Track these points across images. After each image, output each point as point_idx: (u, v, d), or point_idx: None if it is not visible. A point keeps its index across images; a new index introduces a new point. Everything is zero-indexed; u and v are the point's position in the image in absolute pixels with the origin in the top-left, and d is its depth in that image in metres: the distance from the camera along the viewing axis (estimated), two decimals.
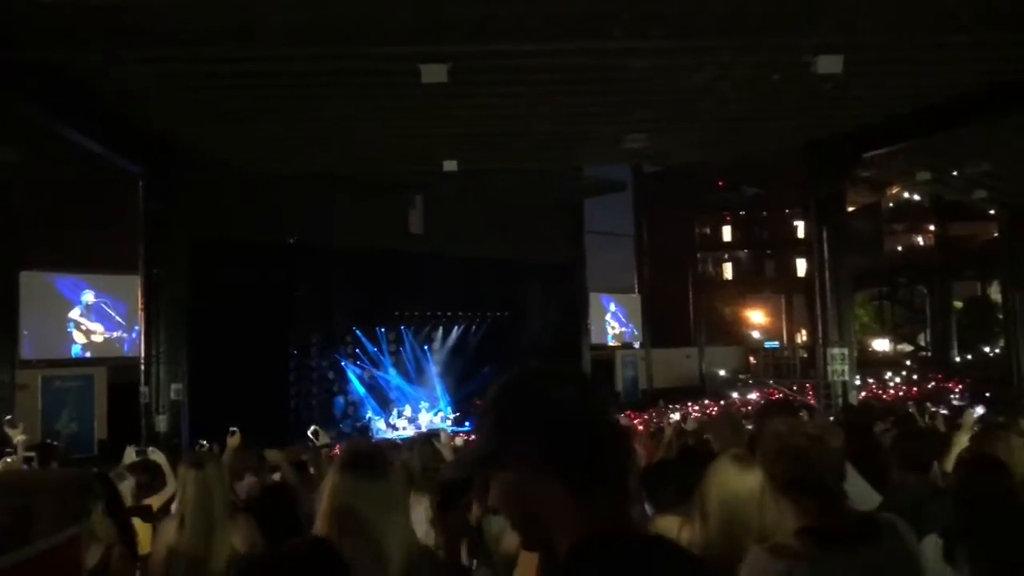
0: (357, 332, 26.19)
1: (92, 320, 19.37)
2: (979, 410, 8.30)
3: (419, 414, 26.77)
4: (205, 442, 9.10)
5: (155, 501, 4.88)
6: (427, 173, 19.81)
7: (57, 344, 18.85)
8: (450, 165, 16.21)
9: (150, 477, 5.33)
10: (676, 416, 8.27)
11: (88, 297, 19.33)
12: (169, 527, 3.49)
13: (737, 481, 2.84)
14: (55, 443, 5.55)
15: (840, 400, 16.42)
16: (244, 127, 14.61)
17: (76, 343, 19.20)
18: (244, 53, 11.01)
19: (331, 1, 9.83)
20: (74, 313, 19.14)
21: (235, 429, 6.86)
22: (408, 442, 4.00)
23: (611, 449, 1.33)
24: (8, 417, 6.98)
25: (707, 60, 11.95)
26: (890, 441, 4.35)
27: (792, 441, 2.22)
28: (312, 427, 4.83)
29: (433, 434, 4.04)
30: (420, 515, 3.97)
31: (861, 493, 3.72)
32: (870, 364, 33.00)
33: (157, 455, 5.55)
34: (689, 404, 27.36)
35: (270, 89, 12.60)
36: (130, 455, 6.08)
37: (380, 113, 13.84)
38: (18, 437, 6.16)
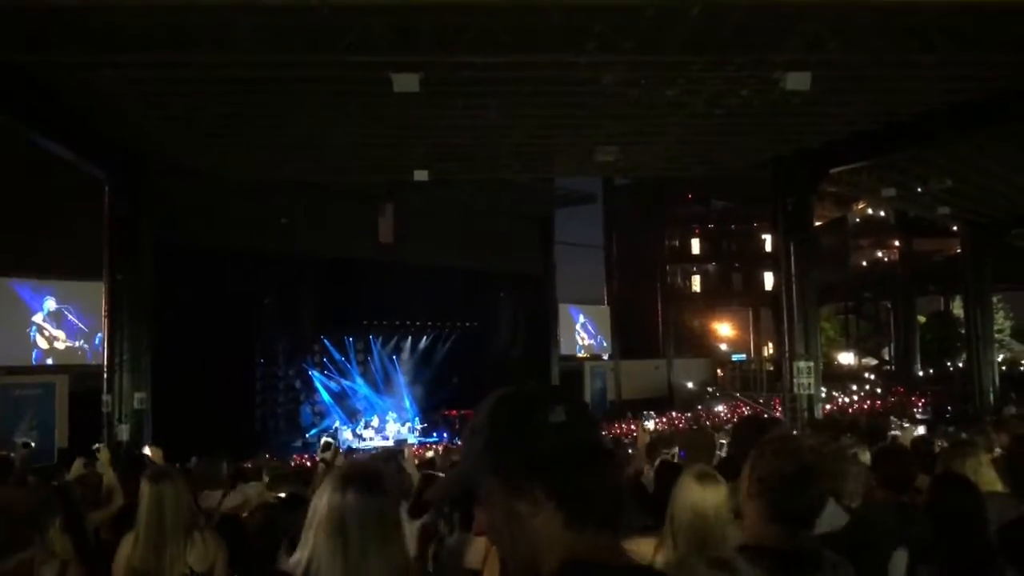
0: (325, 341, 26.03)
1: (54, 327, 19.07)
2: (920, 429, 8.36)
3: (386, 424, 26.60)
4: (147, 450, 8.91)
5: (99, 516, 4.75)
6: (398, 182, 19.73)
7: (18, 350, 18.53)
8: (421, 175, 16.14)
9: (94, 491, 5.18)
10: (650, 424, 8.26)
11: (50, 304, 19.02)
12: (127, 542, 3.43)
13: (702, 498, 2.84)
14: (11, 455, 5.40)
15: (806, 413, 16.53)
16: (212, 134, 14.47)
17: (39, 347, 18.88)
18: (214, 59, 10.89)
19: (302, 8, 9.77)
20: (37, 318, 18.83)
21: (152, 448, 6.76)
22: (372, 457, 3.95)
23: (602, 474, 1.32)
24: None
25: (677, 75, 12.05)
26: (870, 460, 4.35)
27: (788, 469, 2.17)
28: (323, 439, 4.77)
29: (398, 451, 4.00)
30: None
31: (830, 513, 3.74)
32: (835, 377, 33.34)
33: (104, 468, 5.41)
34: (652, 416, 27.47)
35: (240, 96, 12.50)
36: (78, 468, 5.94)
37: (351, 121, 13.77)
38: None
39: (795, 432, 13.50)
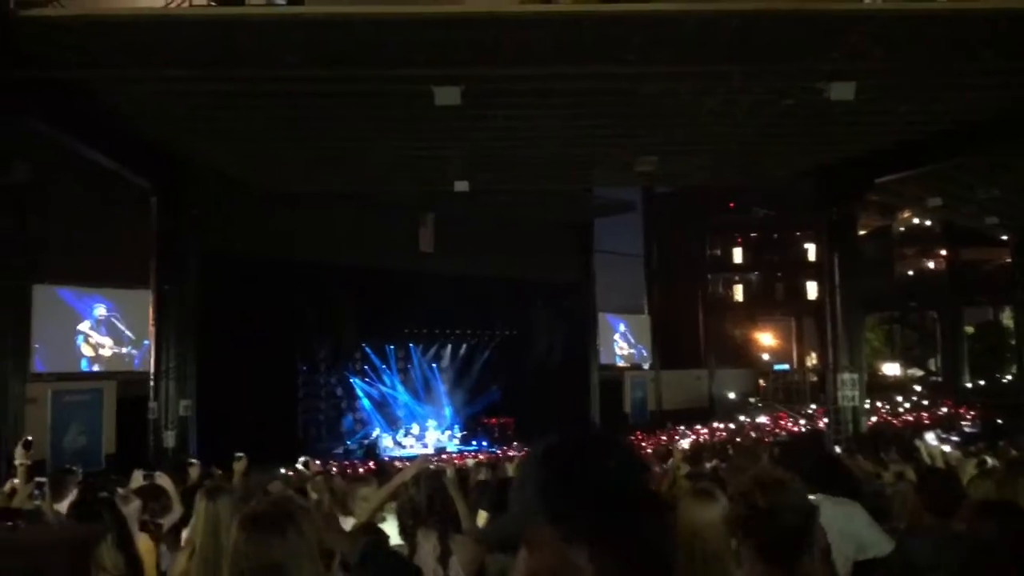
0: (366, 349, 26.19)
1: (101, 334, 19.41)
2: (930, 437, 8.15)
3: (426, 432, 26.69)
4: (194, 460, 9.01)
5: (161, 525, 4.88)
6: (438, 192, 19.85)
7: (66, 357, 18.90)
8: (461, 186, 16.23)
9: (156, 501, 5.33)
10: (685, 444, 8.16)
11: (100, 311, 19.37)
12: (182, 557, 3.50)
13: (702, 517, 2.85)
14: (72, 468, 5.52)
15: (850, 426, 16.32)
16: (257, 146, 14.70)
17: (85, 355, 19.25)
18: (258, 73, 11.09)
19: (345, 23, 9.91)
20: (83, 326, 19.17)
21: (241, 454, 6.83)
22: (414, 479, 3.95)
23: (651, 524, 1.31)
24: (29, 438, 6.99)
25: (718, 85, 11.97)
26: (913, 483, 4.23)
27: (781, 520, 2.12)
28: (302, 458, 4.80)
29: (441, 471, 4.02)
30: (428, 552, 3.95)
31: (876, 540, 3.68)
32: (880, 388, 32.80)
33: (163, 480, 5.54)
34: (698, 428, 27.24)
35: (284, 109, 12.69)
36: (137, 479, 6.07)
37: (393, 134, 13.90)
38: (21, 461, 6.15)
39: (837, 447, 13.32)
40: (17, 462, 6.08)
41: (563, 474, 1.32)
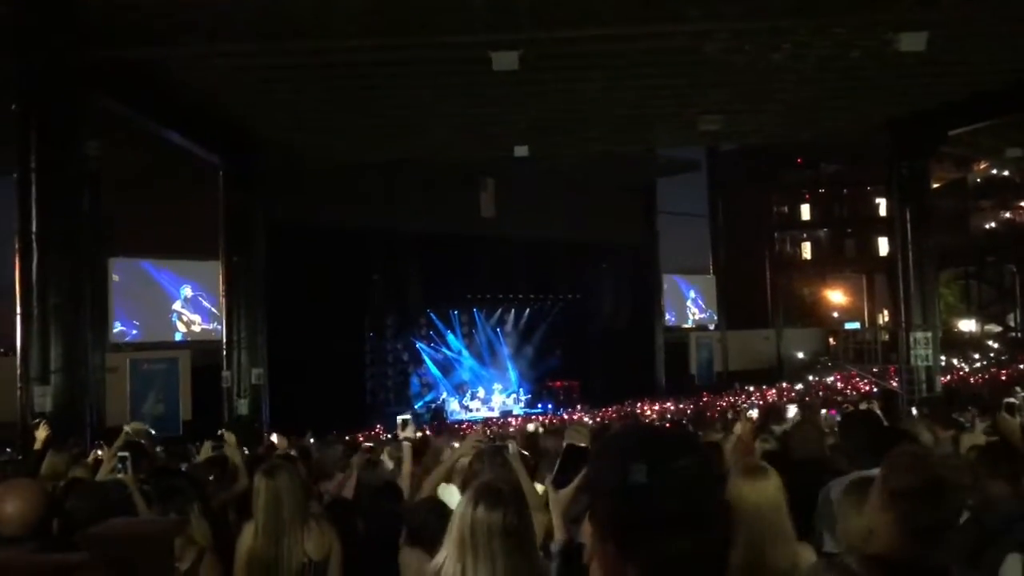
0: (431, 315, 26.49)
1: (191, 312, 20.28)
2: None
3: (492, 396, 26.98)
4: (273, 437, 9.26)
5: (226, 496, 5.03)
6: (499, 157, 19.85)
7: (161, 332, 19.79)
8: (521, 151, 16.22)
9: (221, 471, 5.48)
10: (754, 412, 8.03)
11: (187, 291, 20.24)
12: (247, 532, 3.63)
13: (751, 493, 2.82)
14: (141, 441, 5.76)
15: (924, 386, 16.02)
16: (318, 117, 14.86)
17: (179, 331, 20.23)
18: (318, 45, 11.19)
19: None
20: (176, 305, 20.14)
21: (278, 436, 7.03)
22: (477, 455, 4.00)
23: (681, 546, 1.24)
24: (37, 421, 7.49)
25: (783, 40, 11.68)
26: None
27: (921, 483, 2.13)
28: (400, 417, 4.83)
29: (503, 447, 4.05)
30: None
31: None
32: (955, 345, 31.98)
33: (231, 450, 5.69)
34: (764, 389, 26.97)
35: (344, 79, 12.79)
36: (207, 450, 6.28)
37: (452, 101, 13.92)
38: (42, 434, 6.65)
39: (913, 408, 13.08)
40: (40, 435, 6.54)
41: (601, 479, 1.29)
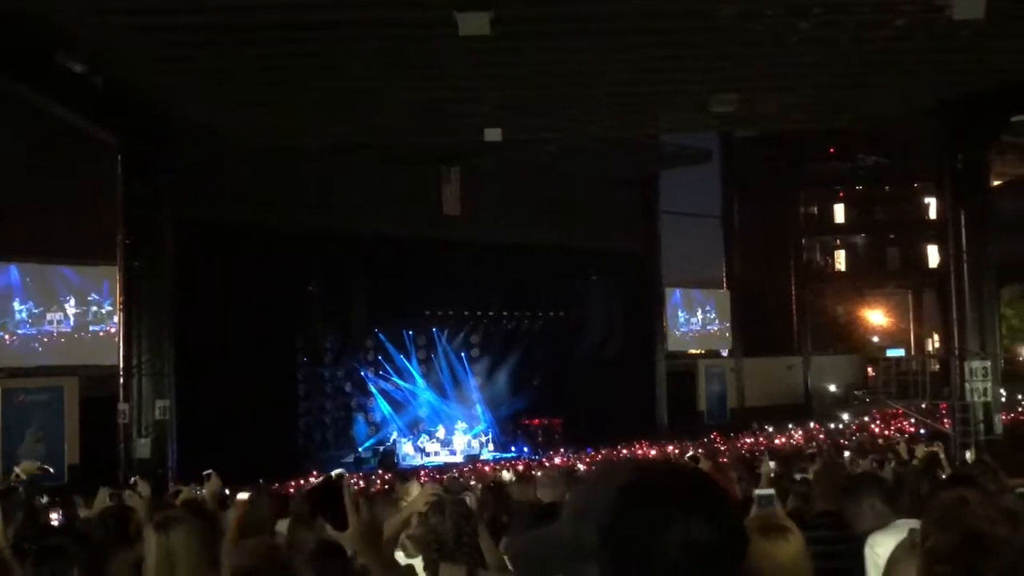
0: (380, 336, 26.40)
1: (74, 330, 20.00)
2: None
3: (454, 436, 26.89)
4: (188, 487, 9.16)
5: (128, 557, 4.92)
6: (465, 143, 19.86)
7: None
8: (492, 134, 16.24)
9: (120, 526, 5.37)
10: (772, 464, 8.05)
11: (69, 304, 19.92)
12: None
13: (767, 553, 2.90)
14: (17, 486, 5.65)
15: (980, 426, 16.18)
16: (242, 91, 14.82)
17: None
18: (248, 2, 11.16)
19: None
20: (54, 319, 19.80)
21: (210, 472, 6.98)
22: (436, 506, 3.99)
23: None
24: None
25: (813, 3, 11.82)
26: None
27: (956, 540, 2.16)
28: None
29: (465, 488, 4.06)
30: None
31: None
32: (1020, 377, 32.39)
33: (136, 501, 5.61)
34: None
35: (276, 45, 12.76)
36: (102, 499, 6.18)
37: (408, 73, 13.94)
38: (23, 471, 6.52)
39: (967, 453, 13.21)
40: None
41: (637, 534, 1.26)
